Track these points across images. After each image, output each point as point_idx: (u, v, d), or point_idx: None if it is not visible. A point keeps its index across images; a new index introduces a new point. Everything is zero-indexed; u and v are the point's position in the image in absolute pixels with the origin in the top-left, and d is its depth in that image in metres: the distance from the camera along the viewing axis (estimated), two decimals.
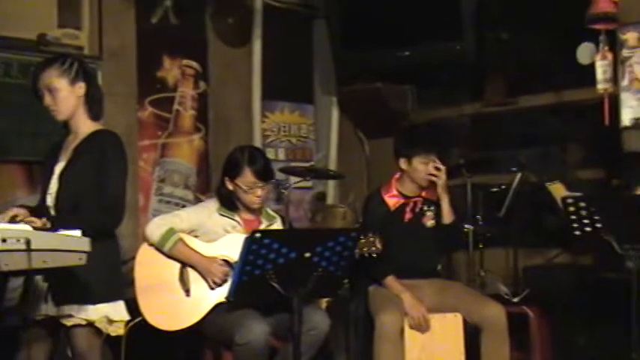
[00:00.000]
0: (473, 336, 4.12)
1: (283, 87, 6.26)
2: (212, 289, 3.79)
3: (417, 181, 4.23)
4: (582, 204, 3.41)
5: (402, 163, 4.25)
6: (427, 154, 4.19)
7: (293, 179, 5.35)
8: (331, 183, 6.36)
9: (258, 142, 5.97)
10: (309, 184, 5.80)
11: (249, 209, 3.94)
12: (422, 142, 4.28)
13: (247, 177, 3.85)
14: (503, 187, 5.09)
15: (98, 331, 3.30)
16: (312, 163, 6.17)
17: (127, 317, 3.39)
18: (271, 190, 4.94)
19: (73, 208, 3.30)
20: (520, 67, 5.71)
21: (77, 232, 2.88)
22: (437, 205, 4.30)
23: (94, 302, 3.26)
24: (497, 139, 5.94)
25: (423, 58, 5.65)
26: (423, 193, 4.30)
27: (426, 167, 4.19)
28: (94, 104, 3.45)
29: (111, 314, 3.29)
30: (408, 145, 4.29)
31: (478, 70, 5.80)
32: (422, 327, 4.07)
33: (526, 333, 4.66)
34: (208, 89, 5.79)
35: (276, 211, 4.25)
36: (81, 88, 3.41)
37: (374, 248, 3.84)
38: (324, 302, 4.71)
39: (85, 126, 3.42)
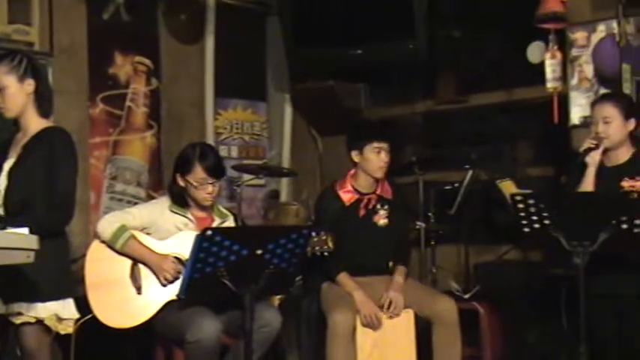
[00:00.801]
0: (425, 331, 4.15)
1: (236, 84, 6.24)
2: (164, 286, 3.77)
3: (371, 172, 4.22)
4: (531, 201, 3.44)
5: (355, 156, 4.25)
6: (378, 142, 4.18)
7: (246, 177, 5.35)
8: (284, 180, 6.36)
9: (210, 140, 5.94)
10: (262, 181, 5.80)
11: (200, 206, 3.93)
12: (371, 131, 4.28)
13: (198, 173, 3.84)
14: (456, 184, 5.14)
15: (47, 329, 3.28)
16: (265, 160, 6.16)
17: (76, 315, 3.37)
18: (223, 188, 4.93)
19: (22, 205, 3.27)
20: (471, 65, 5.77)
21: (25, 230, 2.85)
22: (390, 203, 4.31)
23: (43, 300, 3.24)
24: (449, 137, 5.99)
25: (375, 57, 5.67)
26: (378, 191, 4.30)
27: (378, 156, 4.18)
28: (43, 101, 3.42)
29: (60, 312, 3.27)
30: (358, 136, 4.29)
31: (430, 68, 5.84)
32: (374, 325, 4.09)
33: (477, 329, 4.71)
34: (160, 86, 5.75)
35: (228, 209, 4.24)
36: (30, 85, 3.37)
37: (325, 247, 3.85)
38: (276, 300, 4.71)
39: (34, 123, 3.39)
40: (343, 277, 4.18)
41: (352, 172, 4.32)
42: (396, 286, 4.15)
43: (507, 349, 4.94)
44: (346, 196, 4.27)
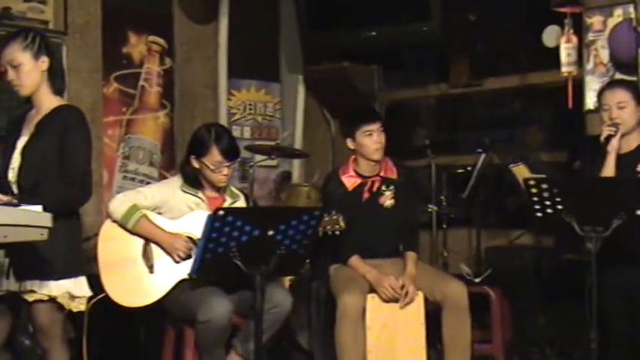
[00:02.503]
0: (434, 314, 4.15)
1: (250, 65, 6.23)
2: (177, 262, 3.78)
3: (368, 156, 4.19)
4: (544, 186, 3.43)
5: (350, 144, 4.22)
6: (367, 124, 4.15)
7: (258, 157, 5.34)
8: (296, 162, 6.36)
9: (223, 120, 5.94)
10: (274, 162, 5.79)
11: (213, 187, 3.94)
12: (358, 116, 4.26)
13: (214, 156, 3.84)
14: (468, 168, 5.13)
15: (60, 307, 3.29)
16: (277, 141, 6.15)
17: (89, 293, 3.38)
18: (236, 168, 4.93)
19: (35, 183, 3.28)
20: (486, 49, 5.74)
21: (38, 208, 2.86)
22: (395, 184, 4.29)
23: (56, 278, 3.25)
24: (463, 121, 5.98)
25: (389, 38, 5.65)
26: (382, 172, 4.29)
27: (370, 139, 4.15)
28: (57, 79, 3.43)
29: (73, 290, 3.29)
30: (348, 122, 4.27)
31: (444, 51, 5.82)
32: (397, 294, 4.04)
33: (487, 313, 4.71)
34: (174, 66, 5.75)
35: (240, 190, 4.24)
36: (44, 62, 3.38)
37: (337, 226, 3.85)
38: (287, 281, 4.72)
39: (48, 101, 3.39)
40: (355, 261, 4.17)
41: (353, 156, 4.30)
42: (408, 276, 4.13)
43: (517, 333, 4.95)
44: (349, 181, 4.25)
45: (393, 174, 4.29)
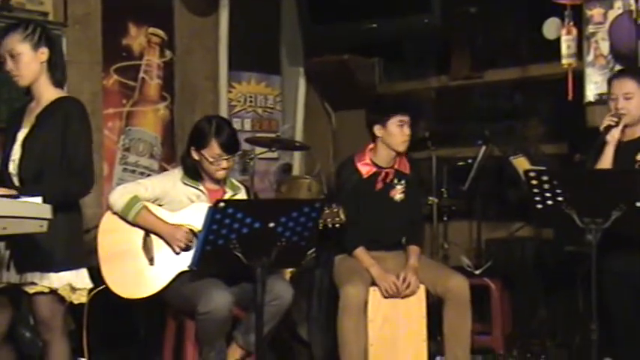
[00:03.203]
0: (436, 307, 4.16)
1: (250, 57, 6.23)
2: (177, 253, 3.78)
3: (394, 146, 4.21)
4: (545, 178, 3.43)
5: (377, 130, 4.22)
6: (402, 115, 4.18)
7: (259, 150, 5.34)
8: (297, 154, 6.36)
9: (224, 113, 5.93)
10: (274, 155, 5.79)
11: (213, 179, 3.94)
12: (394, 105, 4.29)
13: (214, 149, 3.84)
14: (469, 160, 5.13)
15: (61, 299, 3.29)
16: (278, 134, 6.15)
17: (89, 285, 3.38)
18: (236, 161, 4.93)
19: (36, 175, 3.28)
20: (487, 41, 5.73)
21: (38, 199, 2.86)
22: (407, 179, 4.31)
23: (57, 270, 3.25)
24: (463, 113, 5.97)
25: (390, 31, 5.64)
26: (396, 165, 4.29)
27: (401, 130, 4.17)
28: (57, 70, 3.42)
29: (74, 282, 3.29)
30: (381, 110, 4.28)
31: (445, 43, 5.81)
32: (396, 293, 4.07)
33: (487, 305, 4.73)
34: (174, 58, 5.74)
35: (240, 182, 4.25)
36: (44, 53, 3.37)
37: (337, 219, 3.86)
38: (288, 273, 4.73)
39: (48, 92, 3.39)
40: (360, 253, 4.18)
41: (371, 145, 4.30)
42: (411, 268, 4.14)
43: (517, 325, 4.95)
44: (364, 169, 4.26)
45: (406, 169, 4.31)
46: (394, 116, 4.18)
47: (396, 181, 4.29)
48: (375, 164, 4.26)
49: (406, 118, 4.19)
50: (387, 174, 4.27)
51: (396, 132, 4.18)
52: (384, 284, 4.07)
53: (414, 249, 4.26)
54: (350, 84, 6.12)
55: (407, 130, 4.19)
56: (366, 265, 4.14)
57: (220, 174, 3.90)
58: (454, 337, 4.08)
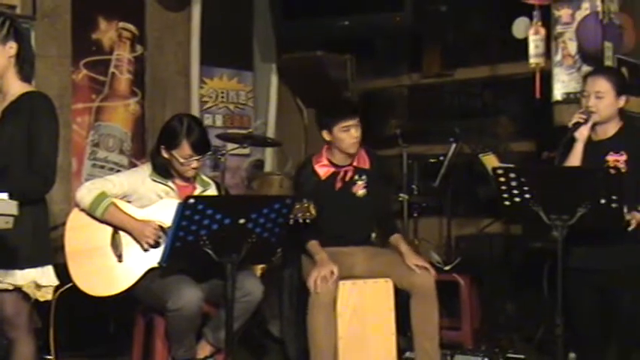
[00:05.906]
0: (404, 301, 4.18)
1: (222, 53, 6.21)
2: (146, 251, 3.77)
3: (344, 149, 4.19)
4: (512, 175, 3.45)
5: (326, 135, 4.21)
6: (345, 121, 4.14)
7: (230, 146, 5.34)
8: (269, 150, 6.36)
9: (195, 108, 5.92)
10: (246, 151, 5.79)
11: (182, 177, 3.93)
12: (338, 110, 4.23)
13: (184, 150, 3.82)
14: (440, 158, 5.16)
15: (26, 296, 3.25)
16: (249, 130, 6.14)
17: (55, 282, 3.33)
18: (206, 159, 4.92)
19: (1, 169, 3.24)
20: (457, 39, 5.77)
21: (4, 195, 2.83)
22: (368, 174, 4.30)
23: (22, 267, 3.21)
24: (434, 111, 6.01)
25: (362, 28, 5.67)
26: (355, 162, 4.29)
27: (348, 134, 4.14)
28: (25, 65, 3.37)
29: (39, 279, 3.24)
30: (326, 115, 4.25)
31: (416, 41, 5.85)
32: (325, 279, 3.97)
33: (457, 300, 4.76)
34: (145, 53, 5.72)
35: (211, 178, 4.24)
36: (12, 48, 3.32)
37: (308, 214, 3.85)
38: (259, 269, 4.73)
39: (15, 87, 3.34)
40: (311, 244, 4.15)
41: (327, 145, 4.30)
42: (410, 254, 4.16)
43: (486, 320, 5.00)
44: (322, 170, 4.25)
45: (365, 164, 4.30)
46: (338, 122, 4.14)
47: (356, 177, 4.27)
48: (332, 163, 4.25)
49: (351, 122, 4.13)
50: (345, 172, 4.25)
51: (343, 137, 4.15)
52: (320, 270, 3.97)
53: (398, 237, 4.28)
54: (322, 81, 6.13)
55: (355, 133, 4.14)
56: (314, 252, 4.10)
57: (190, 173, 3.90)
58: (422, 330, 4.09)
